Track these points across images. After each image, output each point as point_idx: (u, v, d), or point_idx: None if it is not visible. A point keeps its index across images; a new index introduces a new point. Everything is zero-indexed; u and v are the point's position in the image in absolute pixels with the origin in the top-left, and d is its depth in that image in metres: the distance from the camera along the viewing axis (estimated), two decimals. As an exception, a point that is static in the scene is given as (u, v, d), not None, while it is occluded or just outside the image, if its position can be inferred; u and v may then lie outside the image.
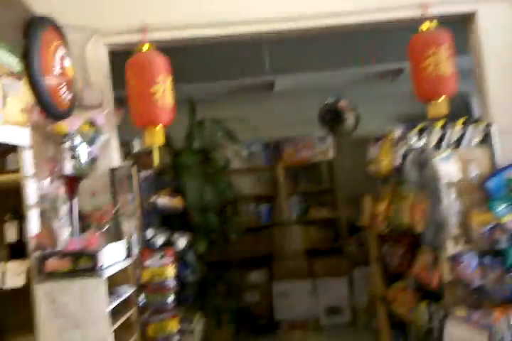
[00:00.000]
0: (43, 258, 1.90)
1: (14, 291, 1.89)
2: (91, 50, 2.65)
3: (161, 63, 2.52)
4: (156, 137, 2.55)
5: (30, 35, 2.10)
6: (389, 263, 3.14)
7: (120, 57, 2.64)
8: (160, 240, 2.61)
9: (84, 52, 2.63)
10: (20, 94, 1.97)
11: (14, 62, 1.95)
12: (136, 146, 4.49)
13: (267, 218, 5.28)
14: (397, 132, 2.81)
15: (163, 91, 2.49)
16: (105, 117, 2.47)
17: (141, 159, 4.29)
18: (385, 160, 3.00)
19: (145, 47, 2.54)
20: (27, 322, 1.92)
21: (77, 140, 2.17)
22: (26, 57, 2.04)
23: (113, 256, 2.15)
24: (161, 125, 2.53)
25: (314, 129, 5.33)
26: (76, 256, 1.91)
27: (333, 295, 4.60)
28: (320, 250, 5.01)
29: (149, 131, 2.54)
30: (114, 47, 2.77)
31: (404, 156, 2.63)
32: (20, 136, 1.94)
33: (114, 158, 2.67)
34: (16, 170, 2.01)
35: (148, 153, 4.22)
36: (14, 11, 2.09)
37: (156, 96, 2.46)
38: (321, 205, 5.38)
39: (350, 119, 4.83)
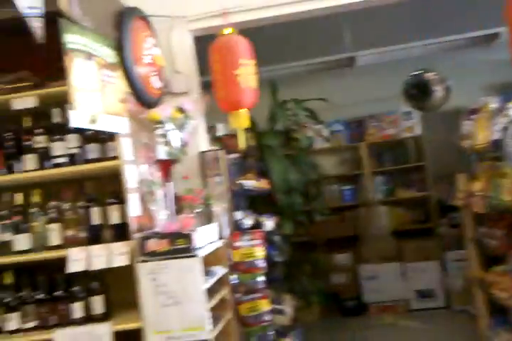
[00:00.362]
0: (144, 240, 2.02)
1: (120, 269, 2.04)
2: (176, 38, 2.72)
3: (243, 46, 2.52)
4: (241, 120, 2.57)
5: (122, 26, 2.20)
6: (487, 246, 2.95)
7: (204, 43, 2.69)
8: (248, 222, 2.66)
9: (170, 40, 2.71)
10: (117, 85, 2.07)
11: (110, 54, 2.05)
12: (221, 130, 4.60)
13: (352, 198, 5.19)
14: (495, 103, 2.60)
15: (247, 74, 2.49)
16: (193, 103, 2.54)
17: (226, 142, 4.40)
18: (480, 134, 2.79)
19: (227, 31, 2.55)
20: (132, 298, 2.07)
21: (169, 126, 2.26)
22: (119, 48, 2.14)
23: (206, 238, 2.23)
24: (245, 108, 2.55)
25: (399, 105, 5.10)
26: (173, 237, 2.00)
27: (424, 278, 4.44)
28: (409, 232, 4.83)
29: (234, 114, 2.57)
30: (198, 33, 2.82)
31: (504, 130, 2.43)
32: (119, 124, 2.05)
33: (203, 142, 2.75)
34: (116, 157, 2.14)
35: (232, 136, 4.31)
36: (106, 4, 2.19)
37: (240, 79, 2.47)
38: (409, 184, 5.17)
39: (438, 92, 4.53)
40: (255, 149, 3.54)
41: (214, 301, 2.12)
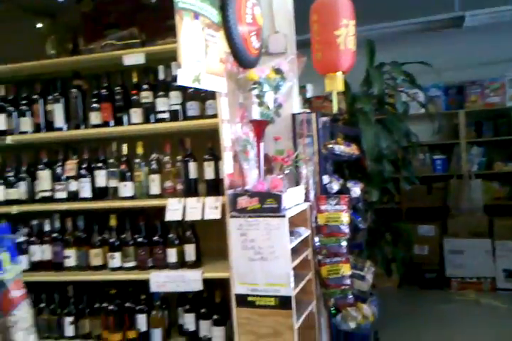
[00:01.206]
0: (235, 196, 2.12)
1: (211, 221, 2.16)
2: (277, -4, 2.67)
3: (345, 5, 2.41)
4: (337, 83, 2.51)
5: (227, -16, 2.19)
6: None
7: (301, 1, 2.61)
8: (335, 186, 2.66)
9: (271, -1, 2.66)
10: (218, 45, 2.10)
11: (215, 13, 2.07)
12: (310, 91, 4.54)
13: (443, 169, 4.95)
14: None
15: (347, 35, 2.40)
16: (289, 64, 2.51)
17: (316, 104, 4.33)
18: None
19: (330, -11, 2.44)
20: (221, 248, 2.21)
21: (265, 87, 2.27)
22: (224, 7, 2.15)
23: (293, 199, 2.28)
24: (342, 71, 2.48)
25: (506, 71, 4.66)
26: (263, 196, 2.07)
27: (515, 258, 4.21)
28: (502, 208, 4.55)
29: (330, 76, 2.51)
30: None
31: None
32: (219, 84, 2.10)
33: (295, 104, 2.74)
34: (214, 115, 2.22)
35: (322, 98, 4.23)
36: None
37: (339, 40, 2.39)
38: (508, 158, 4.81)
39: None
40: (347, 113, 3.46)
41: (297, 260, 2.20)
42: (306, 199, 2.53)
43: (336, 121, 3.31)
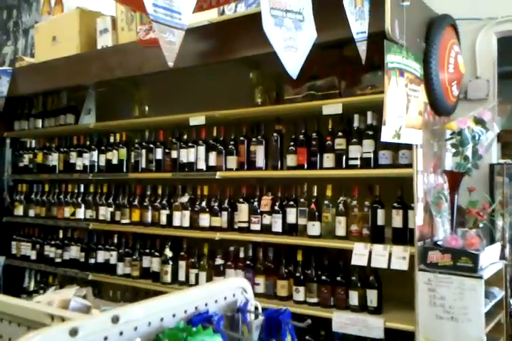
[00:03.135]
0: (426, 249, 2.09)
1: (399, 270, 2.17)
2: (481, 41, 2.58)
3: None
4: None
5: (432, 36, 2.23)
6: None
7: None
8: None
9: (474, 43, 2.59)
10: (419, 98, 2.14)
11: (418, 68, 2.12)
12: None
13: None
14: None
15: None
16: (490, 112, 2.40)
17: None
18: None
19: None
20: (405, 298, 2.19)
21: (464, 137, 2.21)
22: (427, 60, 2.19)
23: (490, 258, 2.15)
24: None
25: None
26: (457, 253, 2.01)
27: None
28: None
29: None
30: (503, 35, 2.61)
31: None
32: (416, 136, 2.13)
33: (494, 153, 2.59)
34: (407, 165, 2.24)
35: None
36: (419, 15, 2.25)
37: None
38: None
39: None
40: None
41: (491, 324, 2.06)
42: (502, 257, 2.35)
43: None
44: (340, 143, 2.51)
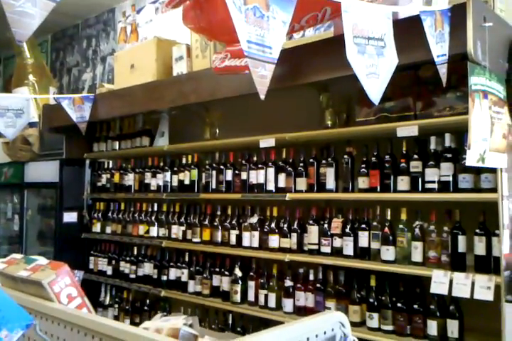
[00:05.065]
0: (514, 279, 1.98)
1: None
2: None
3: None
4: None
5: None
6: None
7: None
8: None
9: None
10: (503, 121, 2.05)
11: (501, 89, 2.05)
12: None
13: None
14: None
15: None
16: None
17: None
18: None
19: None
20: (489, 330, 2.07)
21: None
22: (510, 80, 2.11)
23: None
24: None
25: None
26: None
27: None
28: None
29: None
30: None
31: None
32: (501, 160, 2.04)
33: None
34: (491, 190, 2.14)
35: None
36: (498, 33, 2.17)
37: None
38: None
39: None
40: None
41: None
42: None
43: None
44: (415, 165, 2.45)
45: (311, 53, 2.56)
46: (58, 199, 4.09)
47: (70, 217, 4.03)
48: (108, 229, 3.99)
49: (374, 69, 1.55)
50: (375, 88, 1.54)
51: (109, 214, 4.03)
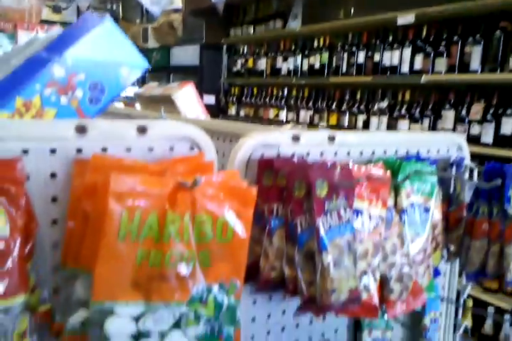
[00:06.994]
0: None
1: None
2: None
3: None
4: None
5: None
6: None
7: None
8: None
9: None
10: None
11: None
12: None
13: None
14: None
15: None
16: None
17: None
18: None
19: None
20: None
21: None
22: None
23: None
24: None
25: None
26: None
27: None
28: None
29: None
30: None
31: None
32: None
33: None
34: None
35: None
36: None
37: None
38: None
39: None
40: None
41: None
42: None
43: None
44: None
45: None
46: (198, 82, 4.36)
47: (208, 99, 4.31)
48: (242, 113, 4.22)
49: None
50: None
51: (243, 99, 4.22)
